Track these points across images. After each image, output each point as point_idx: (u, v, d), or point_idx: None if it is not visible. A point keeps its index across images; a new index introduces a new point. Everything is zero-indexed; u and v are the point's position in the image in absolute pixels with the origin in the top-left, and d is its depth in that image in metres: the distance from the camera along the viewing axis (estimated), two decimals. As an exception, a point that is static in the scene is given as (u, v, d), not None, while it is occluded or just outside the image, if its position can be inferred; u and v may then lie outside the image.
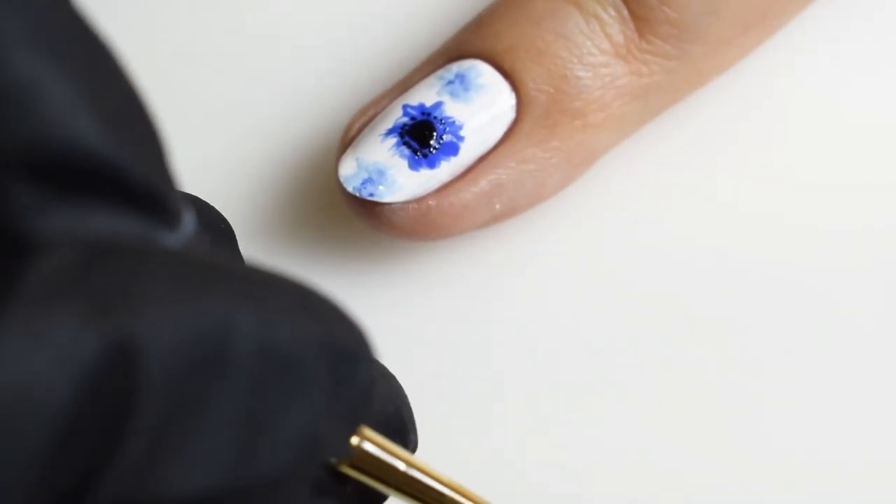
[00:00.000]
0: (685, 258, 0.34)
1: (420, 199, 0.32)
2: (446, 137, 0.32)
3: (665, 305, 0.34)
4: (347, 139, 0.33)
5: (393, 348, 0.34)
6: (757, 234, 0.35)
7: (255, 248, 0.35)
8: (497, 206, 0.33)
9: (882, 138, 0.35)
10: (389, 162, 0.32)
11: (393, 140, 0.32)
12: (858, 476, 0.33)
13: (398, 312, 0.34)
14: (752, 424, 0.33)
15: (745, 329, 0.34)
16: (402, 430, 0.26)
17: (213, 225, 0.26)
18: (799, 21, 0.35)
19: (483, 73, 0.33)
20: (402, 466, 0.26)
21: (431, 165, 0.32)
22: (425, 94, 0.33)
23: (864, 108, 0.35)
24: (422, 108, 0.32)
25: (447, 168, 0.32)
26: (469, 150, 0.32)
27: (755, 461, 0.33)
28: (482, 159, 0.32)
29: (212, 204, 0.27)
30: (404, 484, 0.26)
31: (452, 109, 0.32)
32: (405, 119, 0.32)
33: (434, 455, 0.33)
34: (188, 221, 0.23)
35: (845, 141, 0.35)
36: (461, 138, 0.32)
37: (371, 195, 0.32)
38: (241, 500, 0.22)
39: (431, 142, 0.32)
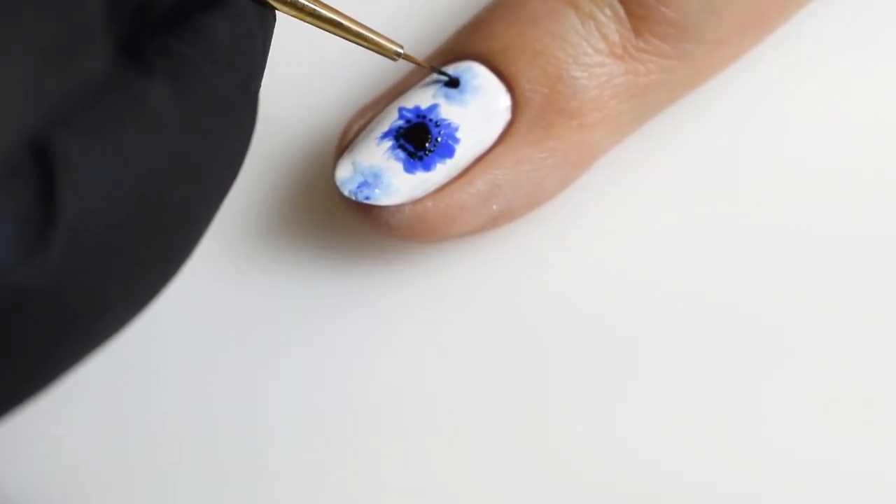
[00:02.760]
0: (686, 259, 0.34)
1: (417, 201, 0.32)
2: (441, 140, 0.32)
3: (665, 306, 0.34)
4: (345, 142, 0.33)
5: (389, 349, 0.34)
6: (758, 233, 0.34)
7: (254, 249, 0.35)
8: (494, 207, 0.33)
9: (884, 137, 0.35)
10: (385, 165, 0.32)
11: (389, 143, 0.32)
12: (859, 476, 0.33)
13: (396, 313, 0.34)
14: (756, 424, 0.33)
15: (745, 329, 0.34)
16: None
17: None
18: (798, 19, 0.35)
19: (479, 74, 0.33)
20: None
21: (427, 168, 0.32)
22: (421, 97, 0.33)
23: (865, 107, 0.35)
24: (417, 111, 0.33)
25: (443, 170, 0.32)
26: (465, 152, 0.32)
27: (756, 462, 0.33)
28: (478, 161, 0.32)
29: None
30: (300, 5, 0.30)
31: (448, 112, 0.32)
32: (401, 122, 0.33)
33: (430, 453, 0.33)
34: None
35: (845, 139, 0.35)
36: (457, 140, 0.32)
37: (367, 198, 0.32)
38: None
39: (427, 144, 0.32)
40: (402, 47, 0.32)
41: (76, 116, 0.24)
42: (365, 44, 0.31)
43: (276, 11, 0.29)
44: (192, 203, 0.26)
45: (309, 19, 0.30)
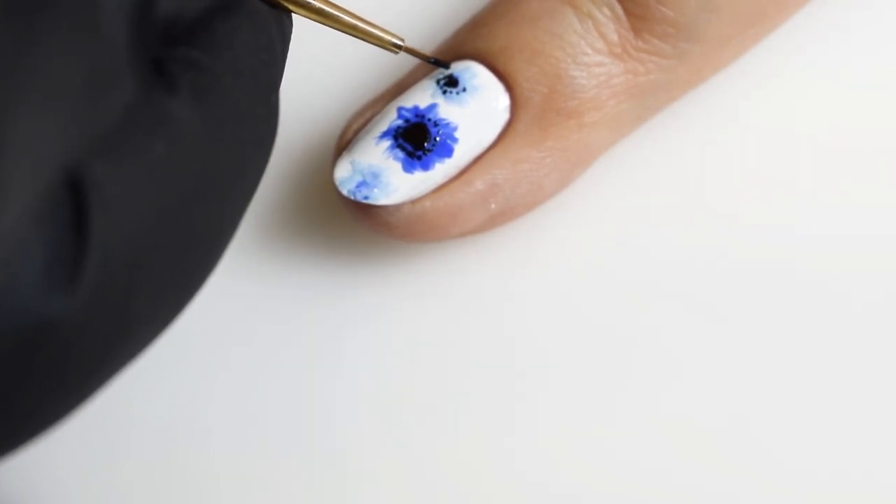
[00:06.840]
0: (685, 257, 0.34)
1: (416, 201, 0.32)
2: (440, 139, 0.32)
3: (664, 306, 0.34)
4: (344, 142, 0.33)
5: (388, 348, 0.34)
6: (756, 234, 0.34)
7: (253, 248, 0.35)
8: (493, 207, 0.33)
9: (882, 136, 0.35)
10: (384, 164, 0.32)
11: (387, 143, 0.32)
12: (856, 478, 0.33)
13: (394, 313, 0.34)
14: (751, 428, 0.33)
15: (745, 329, 0.34)
16: None
17: None
18: (798, 18, 0.35)
19: (477, 74, 0.33)
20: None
21: (426, 167, 0.32)
22: (420, 97, 0.33)
23: (864, 106, 0.35)
24: (416, 111, 0.33)
25: (441, 170, 0.32)
26: (464, 152, 0.32)
27: (752, 464, 0.33)
28: (477, 160, 0.32)
29: None
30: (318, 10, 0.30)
31: (447, 111, 0.32)
32: (400, 122, 0.33)
33: (428, 451, 0.33)
34: None
35: (844, 138, 0.35)
36: (455, 140, 0.32)
37: (366, 198, 0.32)
38: None
39: (426, 144, 0.32)
40: (402, 40, 0.31)
41: (106, 143, 0.24)
42: (364, 37, 0.31)
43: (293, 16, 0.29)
44: (218, 216, 0.26)
45: (313, 16, 0.30)
